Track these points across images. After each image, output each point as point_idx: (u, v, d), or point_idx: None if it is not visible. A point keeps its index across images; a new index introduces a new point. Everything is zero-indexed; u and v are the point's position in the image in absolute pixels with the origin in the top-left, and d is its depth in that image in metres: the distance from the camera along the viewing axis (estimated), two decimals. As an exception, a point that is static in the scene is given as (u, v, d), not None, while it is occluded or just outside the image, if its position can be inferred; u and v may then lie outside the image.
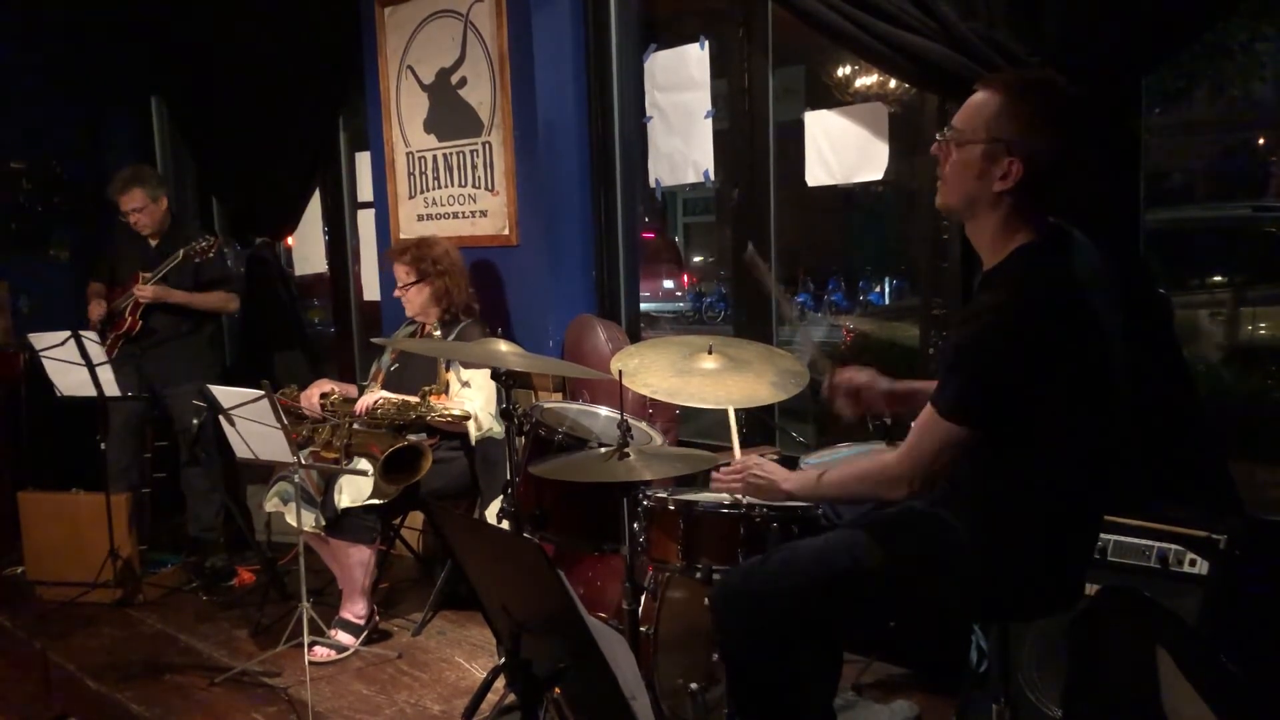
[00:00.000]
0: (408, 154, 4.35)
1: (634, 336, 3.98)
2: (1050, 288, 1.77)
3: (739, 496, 2.24)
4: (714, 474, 2.24)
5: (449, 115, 4.16)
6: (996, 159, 1.79)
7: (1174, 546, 2.29)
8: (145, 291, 4.13)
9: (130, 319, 4.20)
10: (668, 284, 10.45)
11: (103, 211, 4.40)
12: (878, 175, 3.26)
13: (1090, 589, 2.24)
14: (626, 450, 2.27)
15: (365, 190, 4.82)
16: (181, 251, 4.09)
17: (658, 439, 2.86)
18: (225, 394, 3.05)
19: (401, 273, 3.58)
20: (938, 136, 1.89)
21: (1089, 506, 1.95)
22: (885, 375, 2.26)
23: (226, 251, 5.76)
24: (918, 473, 1.84)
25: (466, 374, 3.46)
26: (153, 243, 4.32)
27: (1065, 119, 1.80)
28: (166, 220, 4.36)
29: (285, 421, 2.96)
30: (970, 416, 1.78)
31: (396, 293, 3.63)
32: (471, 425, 3.40)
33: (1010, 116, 1.78)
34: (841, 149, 3.31)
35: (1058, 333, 1.74)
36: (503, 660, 1.68)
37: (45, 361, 3.87)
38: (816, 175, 3.39)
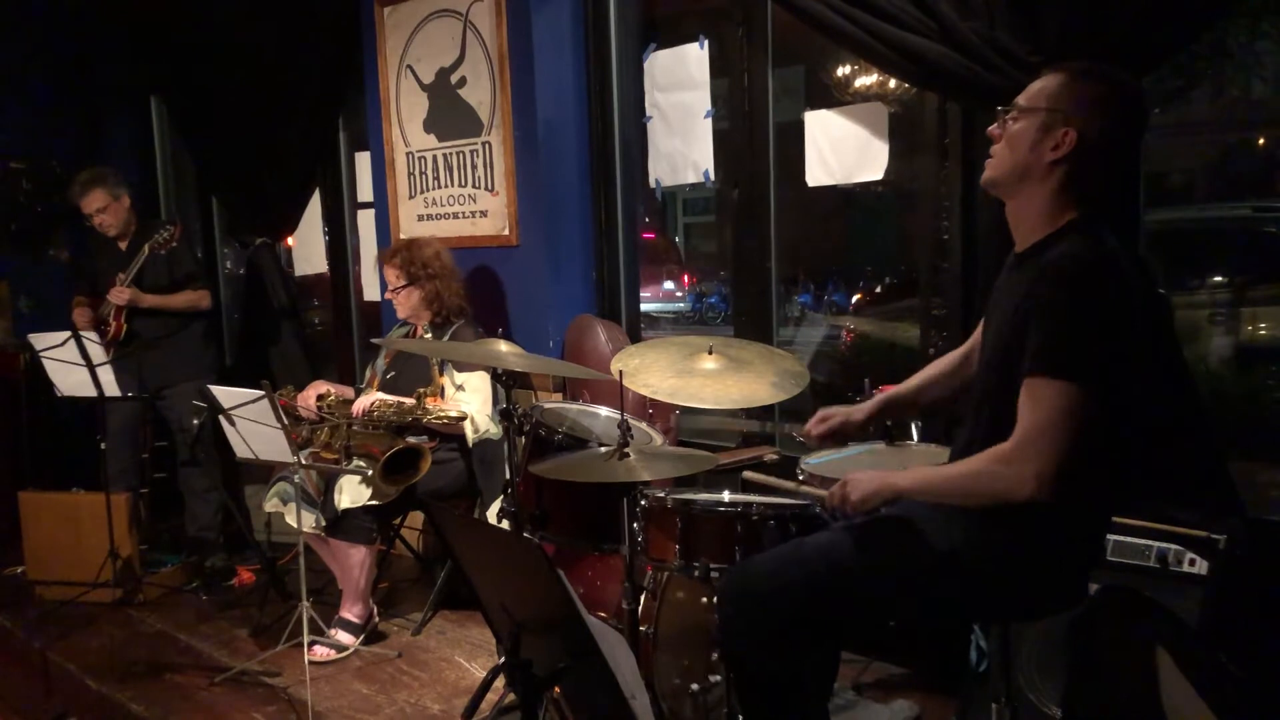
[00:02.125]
0: (408, 154, 4.35)
1: (634, 337, 3.98)
2: (1115, 256, 1.77)
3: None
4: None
5: (449, 115, 4.16)
6: (1052, 129, 1.82)
7: (1174, 546, 2.29)
8: (120, 295, 4.12)
9: (115, 324, 4.18)
10: (668, 284, 10.44)
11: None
12: (878, 175, 3.26)
13: (1090, 589, 2.24)
14: (626, 450, 2.28)
15: (365, 190, 4.82)
16: (146, 247, 4.06)
17: (658, 439, 2.86)
18: (225, 394, 3.05)
19: (391, 276, 3.58)
20: (999, 109, 1.91)
21: (1105, 507, 1.94)
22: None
23: (227, 250, 5.81)
24: (1037, 452, 1.68)
25: (461, 377, 3.46)
26: (122, 245, 4.29)
27: (1123, 103, 1.83)
28: (132, 220, 4.33)
29: (285, 422, 2.97)
30: (1083, 368, 1.69)
31: (387, 295, 3.65)
32: (468, 427, 3.40)
33: (1071, 92, 1.82)
34: (841, 149, 3.31)
35: (1127, 299, 1.74)
36: (503, 660, 1.68)
37: (45, 361, 3.87)
38: (816, 175, 3.39)
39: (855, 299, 6.97)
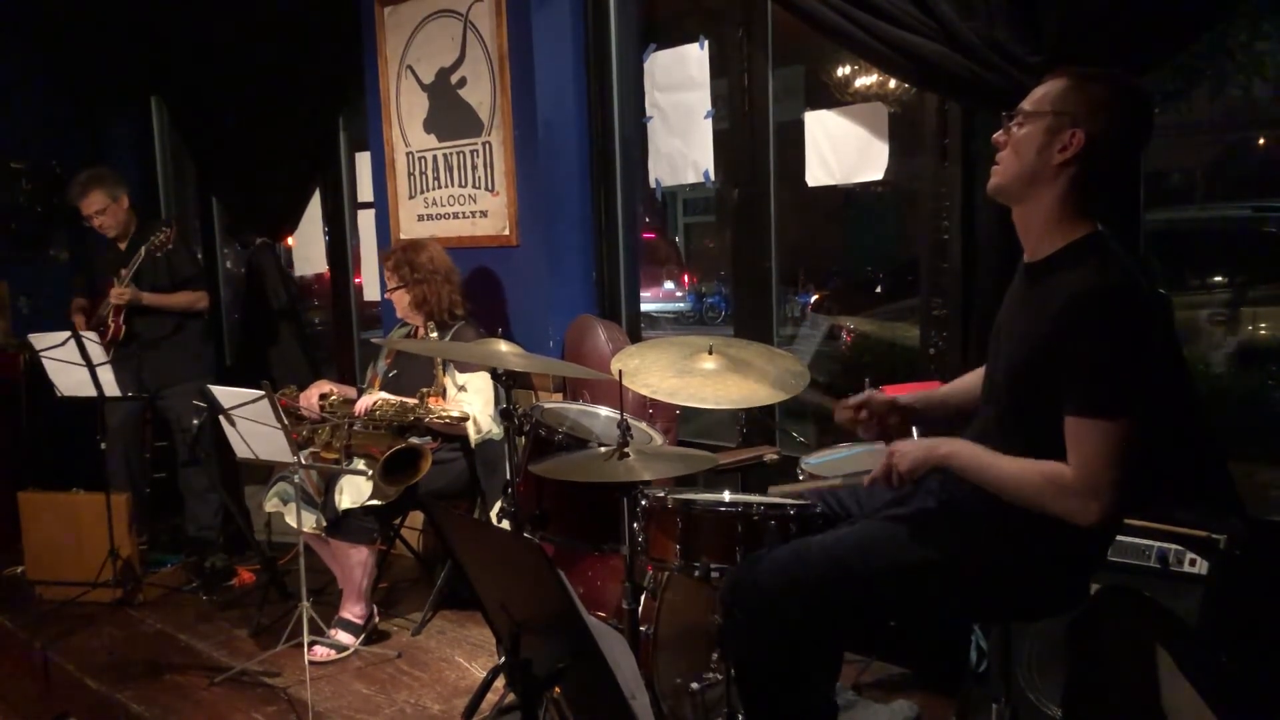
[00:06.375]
0: (408, 154, 4.35)
1: (634, 336, 3.98)
2: (1136, 277, 1.77)
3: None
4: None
5: (449, 115, 4.16)
6: (1059, 132, 1.81)
7: (1174, 546, 2.29)
8: (120, 296, 4.12)
9: (114, 324, 4.19)
10: (668, 284, 10.46)
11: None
12: (878, 175, 3.26)
13: (1091, 589, 2.24)
14: (626, 450, 2.28)
15: (365, 190, 4.82)
16: (143, 249, 4.06)
17: (658, 439, 2.86)
18: (225, 394, 3.05)
19: (388, 276, 3.65)
20: (1004, 115, 1.91)
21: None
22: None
23: (227, 250, 5.81)
24: (1100, 488, 1.72)
25: (463, 378, 3.47)
26: (121, 245, 4.30)
27: (1129, 104, 1.83)
28: (132, 221, 4.33)
29: (285, 421, 2.97)
30: (1131, 404, 1.72)
31: (387, 295, 3.69)
32: (470, 427, 3.41)
33: (1076, 95, 1.82)
34: (841, 149, 3.31)
35: (1152, 322, 1.75)
36: (503, 660, 1.68)
37: (45, 361, 3.87)
38: (816, 175, 3.39)
39: (814, 298, 6.88)
